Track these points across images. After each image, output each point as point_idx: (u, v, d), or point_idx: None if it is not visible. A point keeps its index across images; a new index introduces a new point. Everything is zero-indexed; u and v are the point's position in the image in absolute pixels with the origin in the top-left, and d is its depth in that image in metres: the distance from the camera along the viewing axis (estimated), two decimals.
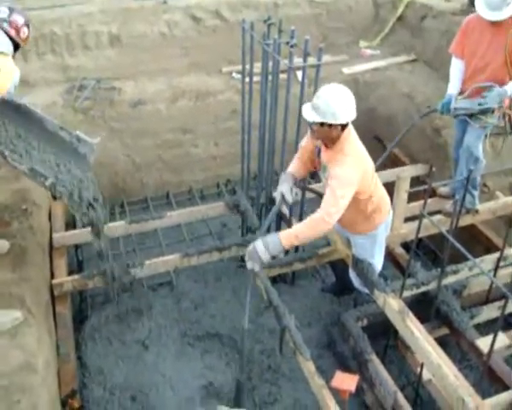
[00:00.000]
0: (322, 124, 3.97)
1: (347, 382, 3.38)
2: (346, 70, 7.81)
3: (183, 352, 5.21)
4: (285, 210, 5.30)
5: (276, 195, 4.56)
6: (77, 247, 6.14)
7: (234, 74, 7.53)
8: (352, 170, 4.04)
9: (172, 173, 7.45)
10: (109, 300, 5.65)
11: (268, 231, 4.63)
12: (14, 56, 4.31)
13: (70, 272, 5.53)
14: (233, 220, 6.81)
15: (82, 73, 7.22)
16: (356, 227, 4.59)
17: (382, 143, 7.21)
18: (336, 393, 3.63)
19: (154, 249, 6.33)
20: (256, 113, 5.39)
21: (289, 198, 4.50)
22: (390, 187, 4.94)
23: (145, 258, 5.36)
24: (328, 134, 4.06)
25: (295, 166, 4.59)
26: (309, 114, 4.00)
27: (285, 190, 4.48)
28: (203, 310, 5.59)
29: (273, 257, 4.26)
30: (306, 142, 4.57)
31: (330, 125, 3.97)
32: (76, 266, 6.06)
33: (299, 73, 6.63)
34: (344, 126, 4.03)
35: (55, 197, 4.53)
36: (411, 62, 7.99)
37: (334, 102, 3.90)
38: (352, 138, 4.17)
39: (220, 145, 7.49)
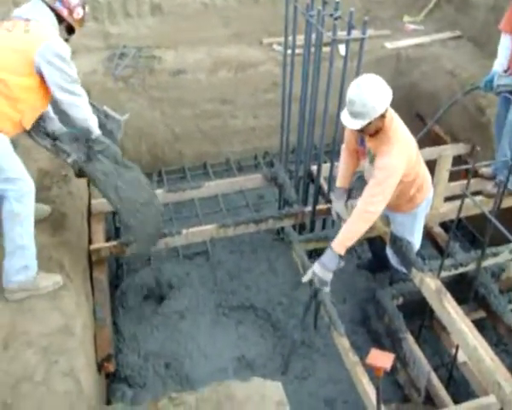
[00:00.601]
0: (369, 123, 3.92)
1: (383, 359, 3.34)
2: (389, 45, 7.66)
3: (217, 322, 5.26)
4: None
5: (333, 214, 4.73)
6: (114, 214, 6.21)
7: (275, 46, 7.45)
8: (398, 159, 3.99)
9: (210, 144, 7.44)
10: (145, 267, 5.73)
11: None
12: (67, 39, 4.08)
13: (107, 239, 5.59)
14: (270, 193, 6.81)
15: (123, 40, 7.24)
16: (397, 207, 4.53)
17: (424, 120, 7.07)
18: (370, 370, 3.62)
19: (190, 219, 6.35)
20: (297, 85, 5.31)
21: (345, 216, 4.54)
22: (431, 165, 4.83)
23: (181, 227, 5.39)
24: (376, 127, 4.01)
25: (343, 176, 4.64)
26: (352, 123, 3.93)
27: (339, 209, 4.62)
28: (238, 281, 5.61)
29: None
30: (346, 138, 4.55)
31: (375, 119, 3.92)
32: (113, 233, 6.13)
33: (341, 47, 6.61)
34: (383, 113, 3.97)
35: (77, 175, 4.51)
36: (456, 39, 7.75)
37: (370, 98, 3.82)
38: (395, 125, 4.09)
39: (259, 117, 7.44)
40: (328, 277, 4.18)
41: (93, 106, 4.46)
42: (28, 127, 3.94)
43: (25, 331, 3.71)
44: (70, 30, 4.13)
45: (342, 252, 4.13)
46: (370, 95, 3.82)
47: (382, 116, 3.95)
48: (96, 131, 4.21)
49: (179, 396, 3.45)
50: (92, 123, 4.16)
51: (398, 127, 4.12)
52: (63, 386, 3.45)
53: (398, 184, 4.08)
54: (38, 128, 4.28)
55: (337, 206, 4.65)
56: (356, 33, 4.70)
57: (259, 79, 7.20)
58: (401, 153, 4.01)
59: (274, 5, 7.25)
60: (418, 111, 7.23)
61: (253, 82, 7.19)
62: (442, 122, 6.43)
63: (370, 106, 3.82)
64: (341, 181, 4.66)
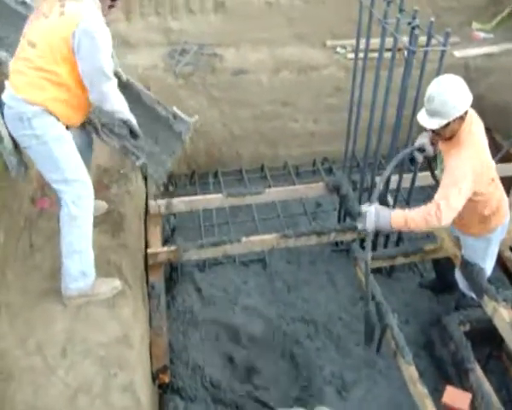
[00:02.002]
0: (447, 124, 3.70)
1: (459, 399, 3.16)
2: (457, 53, 7.35)
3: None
4: (419, 158, 4.51)
5: (417, 143, 4.29)
6: (170, 214, 6.11)
7: (338, 49, 7.22)
8: (466, 163, 3.74)
9: (268, 147, 7.27)
10: (201, 270, 5.61)
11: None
12: (105, 14, 3.66)
13: (164, 241, 5.48)
14: (328, 201, 6.62)
15: (184, 37, 7.09)
16: (470, 229, 4.29)
17: (491, 134, 6.77)
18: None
19: (246, 223, 6.22)
20: (364, 92, 5.12)
21: (430, 150, 4.22)
22: (504, 182, 4.56)
23: (238, 232, 5.24)
24: (452, 130, 3.79)
25: None
26: (430, 122, 3.72)
27: (426, 142, 4.20)
28: (296, 293, 5.44)
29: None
30: None
31: (454, 120, 3.70)
32: (169, 234, 6.03)
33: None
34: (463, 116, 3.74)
35: (145, 177, 4.39)
36: None
37: (450, 97, 3.62)
38: (471, 128, 3.86)
39: (320, 122, 7.23)
40: (371, 228, 3.96)
41: (162, 105, 4.39)
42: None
43: (83, 339, 3.61)
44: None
45: (394, 228, 3.98)
46: (451, 93, 3.62)
47: (461, 119, 3.73)
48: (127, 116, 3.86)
49: None
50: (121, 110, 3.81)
51: (474, 133, 3.88)
52: (121, 401, 3.34)
53: (470, 201, 3.85)
54: (103, 126, 4.20)
55: (424, 139, 4.20)
56: (434, 42, 4.46)
57: (322, 83, 6.98)
58: (471, 157, 3.77)
59: (339, 6, 7.01)
60: (485, 125, 6.90)
61: (315, 85, 6.98)
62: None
63: (451, 105, 3.62)
64: None
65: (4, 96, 3.52)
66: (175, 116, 4.40)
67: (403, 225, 3.91)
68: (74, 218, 3.64)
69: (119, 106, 3.74)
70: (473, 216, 4.11)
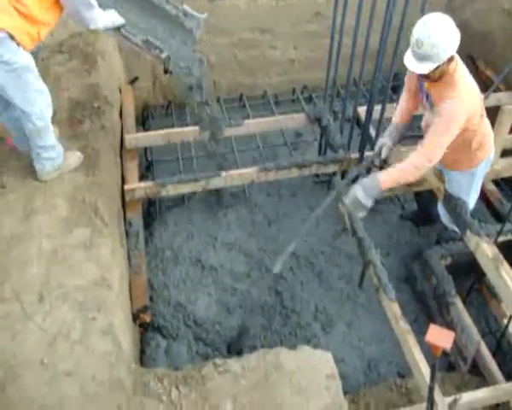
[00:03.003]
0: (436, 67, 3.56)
1: (443, 338, 3.10)
2: None
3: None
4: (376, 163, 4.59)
5: (375, 149, 4.34)
6: (146, 149, 5.95)
7: None
8: (461, 104, 3.65)
9: (247, 75, 7.05)
10: (179, 204, 5.52)
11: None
12: None
13: (140, 177, 5.34)
14: (308, 131, 6.48)
15: None
16: (456, 164, 4.21)
17: (475, 62, 6.62)
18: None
19: (225, 155, 6.06)
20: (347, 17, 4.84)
21: (384, 155, 4.25)
22: (489, 114, 4.45)
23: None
24: (441, 72, 3.64)
25: (401, 112, 4.29)
26: (419, 66, 3.55)
27: (385, 147, 4.24)
28: (277, 226, 5.37)
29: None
30: (407, 82, 4.21)
31: (444, 62, 3.56)
32: (144, 169, 5.89)
33: None
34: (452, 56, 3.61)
35: (166, 71, 4.38)
36: None
37: (440, 39, 3.44)
38: (460, 70, 3.74)
39: (299, 49, 7.00)
40: (369, 203, 3.88)
41: (170, 3, 4.29)
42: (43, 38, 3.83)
43: (60, 284, 3.51)
44: None
45: (384, 187, 3.85)
46: (441, 35, 3.44)
47: (451, 59, 3.59)
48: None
49: (224, 363, 3.28)
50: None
51: (463, 73, 3.77)
52: (101, 345, 3.27)
53: (458, 137, 3.75)
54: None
55: (384, 141, 4.26)
56: None
57: (302, 8, 6.69)
58: (465, 97, 3.67)
59: None
60: (470, 53, 6.74)
61: (295, 11, 6.69)
62: (497, 67, 5.96)
63: (441, 47, 3.45)
64: (398, 117, 4.30)
65: None
66: (185, 13, 4.30)
67: (393, 183, 3.85)
68: (40, 130, 3.93)
69: (104, 22, 3.94)
70: (460, 152, 4.03)
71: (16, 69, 3.57)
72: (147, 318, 4.22)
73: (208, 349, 4.43)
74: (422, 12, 3.95)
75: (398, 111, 4.31)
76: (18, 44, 3.53)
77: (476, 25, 6.75)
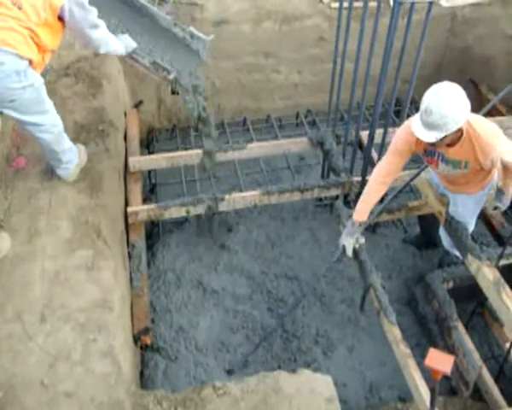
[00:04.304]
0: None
1: (442, 362, 3.09)
2: (445, 3, 7.14)
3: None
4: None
5: (339, 247, 4.28)
6: (150, 172, 5.99)
7: None
8: (499, 138, 3.71)
9: (251, 99, 7.11)
10: (181, 226, 5.55)
11: None
12: None
13: (144, 199, 5.38)
14: (311, 154, 6.51)
15: None
16: (467, 188, 4.22)
17: (477, 87, 6.67)
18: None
19: (229, 179, 6.10)
20: (349, 42, 4.89)
21: (349, 254, 4.23)
22: None
23: (221, 187, 5.16)
24: (451, 139, 3.66)
25: (367, 208, 4.15)
26: (427, 135, 3.52)
27: (347, 244, 4.20)
28: (280, 249, 5.38)
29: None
30: (387, 165, 4.08)
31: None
32: (148, 192, 5.93)
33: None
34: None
35: (173, 92, 4.56)
36: None
37: (449, 109, 3.42)
38: (476, 123, 3.71)
39: (303, 73, 7.06)
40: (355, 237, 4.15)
41: (178, 26, 4.54)
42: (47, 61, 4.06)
43: (62, 305, 3.54)
44: None
45: None
46: (451, 106, 3.42)
47: (459, 129, 3.57)
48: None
49: (223, 386, 3.28)
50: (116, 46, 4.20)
51: (479, 122, 3.74)
52: (102, 368, 3.29)
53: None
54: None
55: (346, 240, 4.20)
56: None
57: (305, 33, 6.76)
58: (485, 124, 3.73)
59: None
60: (472, 77, 6.79)
61: (299, 36, 6.76)
62: (499, 91, 5.99)
63: (450, 117, 3.43)
64: (362, 214, 4.14)
65: None
66: (192, 35, 4.52)
67: None
68: (57, 135, 4.13)
69: (116, 47, 4.14)
70: (477, 176, 4.06)
71: (37, 88, 3.83)
72: (148, 340, 4.22)
73: (207, 376, 4.41)
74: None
75: (364, 206, 4.14)
76: (34, 68, 3.79)
77: (478, 49, 6.82)
